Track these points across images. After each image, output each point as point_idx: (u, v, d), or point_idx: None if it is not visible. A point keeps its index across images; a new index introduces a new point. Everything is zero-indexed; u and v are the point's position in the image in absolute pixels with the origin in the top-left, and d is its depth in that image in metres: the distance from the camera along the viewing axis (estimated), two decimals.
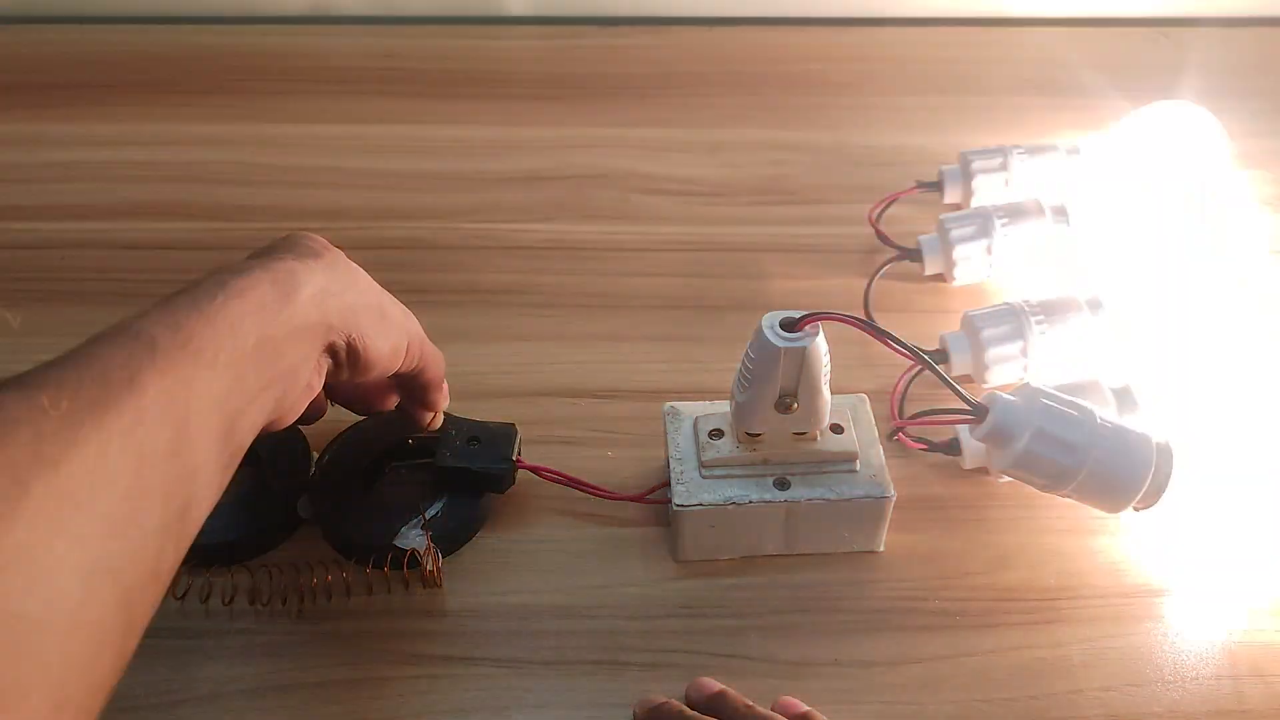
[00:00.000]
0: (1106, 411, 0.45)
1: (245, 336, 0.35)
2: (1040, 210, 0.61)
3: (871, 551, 0.50)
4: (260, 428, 0.38)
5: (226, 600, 0.46)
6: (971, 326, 0.56)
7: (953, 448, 0.52)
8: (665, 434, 0.49)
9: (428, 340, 0.46)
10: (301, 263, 0.39)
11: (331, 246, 0.43)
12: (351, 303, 0.40)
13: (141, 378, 0.31)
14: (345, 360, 0.41)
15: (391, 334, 0.43)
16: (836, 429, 0.48)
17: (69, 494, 0.28)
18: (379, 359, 0.42)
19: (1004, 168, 0.66)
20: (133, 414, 0.31)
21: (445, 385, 0.49)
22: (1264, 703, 0.44)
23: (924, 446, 0.53)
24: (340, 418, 0.50)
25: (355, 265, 0.43)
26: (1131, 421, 0.46)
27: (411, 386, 0.47)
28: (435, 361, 0.47)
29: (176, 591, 0.46)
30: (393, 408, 0.49)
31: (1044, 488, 0.45)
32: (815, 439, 0.48)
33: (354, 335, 0.40)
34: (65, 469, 0.28)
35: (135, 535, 0.30)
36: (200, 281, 0.37)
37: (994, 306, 0.56)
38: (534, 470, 0.50)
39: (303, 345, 0.38)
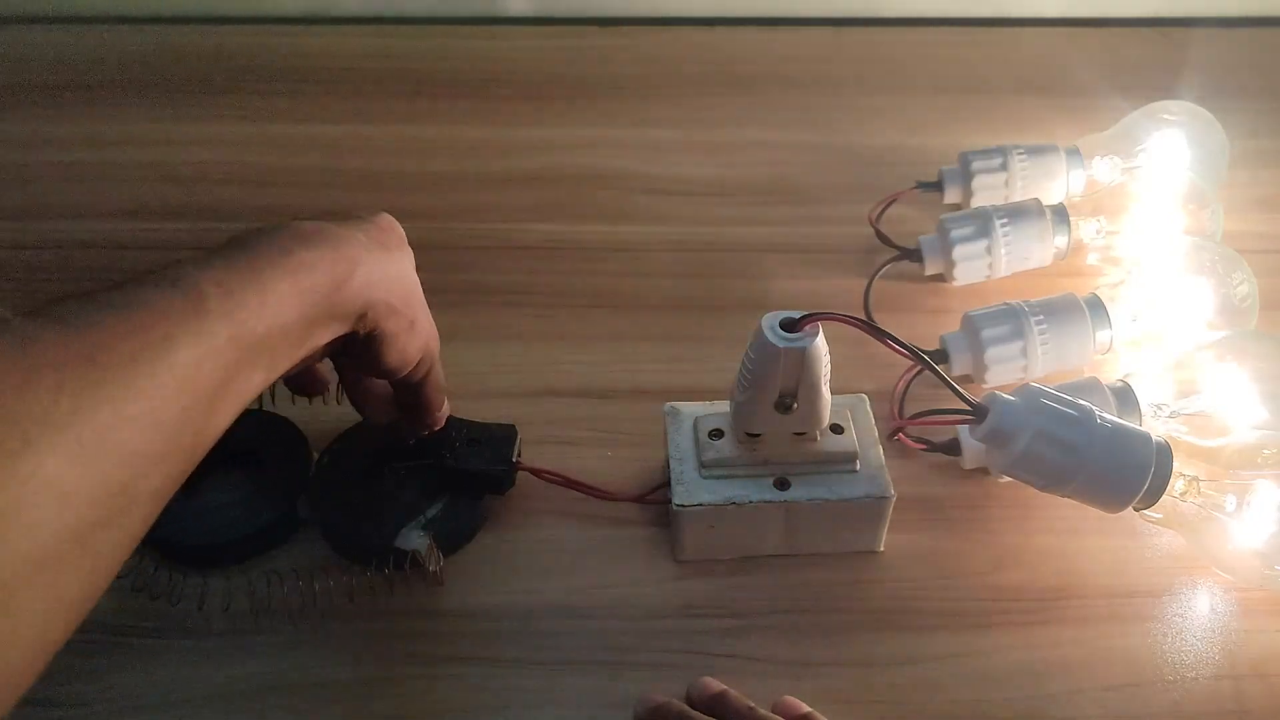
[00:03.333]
0: (1106, 411, 0.45)
1: (289, 313, 0.35)
2: (1040, 210, 0.61)
3: (871, 551, 0.50)
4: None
5: (225, 607, 0.46)
6: (971, 326, 0.56)
7: (953, 448, 0.52)
8: (665, 434, 0.49)
9: (439, 366, 0.46)
10: (367, 252, 0.39)
11: (406, 244, 0.43)
12: (390, 305, 0.41)
13: (178, 338, 0.31)
14: (356, 350, 0.41)
15: (409, 347, 0.43)
16: (836, 429, 0.48)
17: (73, 456, 0.27)
18: (386, 363, 0.42)
19: (1004, 168, 0.66)
20: (159, 378, 0.30)
21: (445, 406, 0.49)
22: (1264, 703, 0.44)
23: (924, 446, 0.53)
24: (340, 417, 0.50)
25: (412, 271, 0.43)
26: (1131, 421, 0.47)
27: (406, 401, 0.47)
28: (435, 387, 0.47)
29: (172, 599, 0.46)
30: (388, 421, 0.49)
31: (1044, 488, 0.45)
32: (815, 439, 0.48)
33: (376, 333, 0.41)
34: (75, 431, 0.27)
35: (122, 503, 0.29)
36: (264, 236, 0.36)
37: (994, 306, 0.56)
38: (534, 472, 0.50)
39: (331, 329, 0.38)
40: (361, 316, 0.39)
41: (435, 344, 0.45)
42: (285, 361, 0.36)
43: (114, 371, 0.29)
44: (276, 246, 0.36)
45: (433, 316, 0.45)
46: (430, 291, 0.64)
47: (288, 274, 0.35)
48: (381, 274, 0.40)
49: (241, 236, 0.36)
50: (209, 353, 0.32)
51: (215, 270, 0.33)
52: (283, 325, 0.35)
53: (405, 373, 0.44)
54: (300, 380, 0.46)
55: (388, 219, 0.44)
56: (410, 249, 0.44)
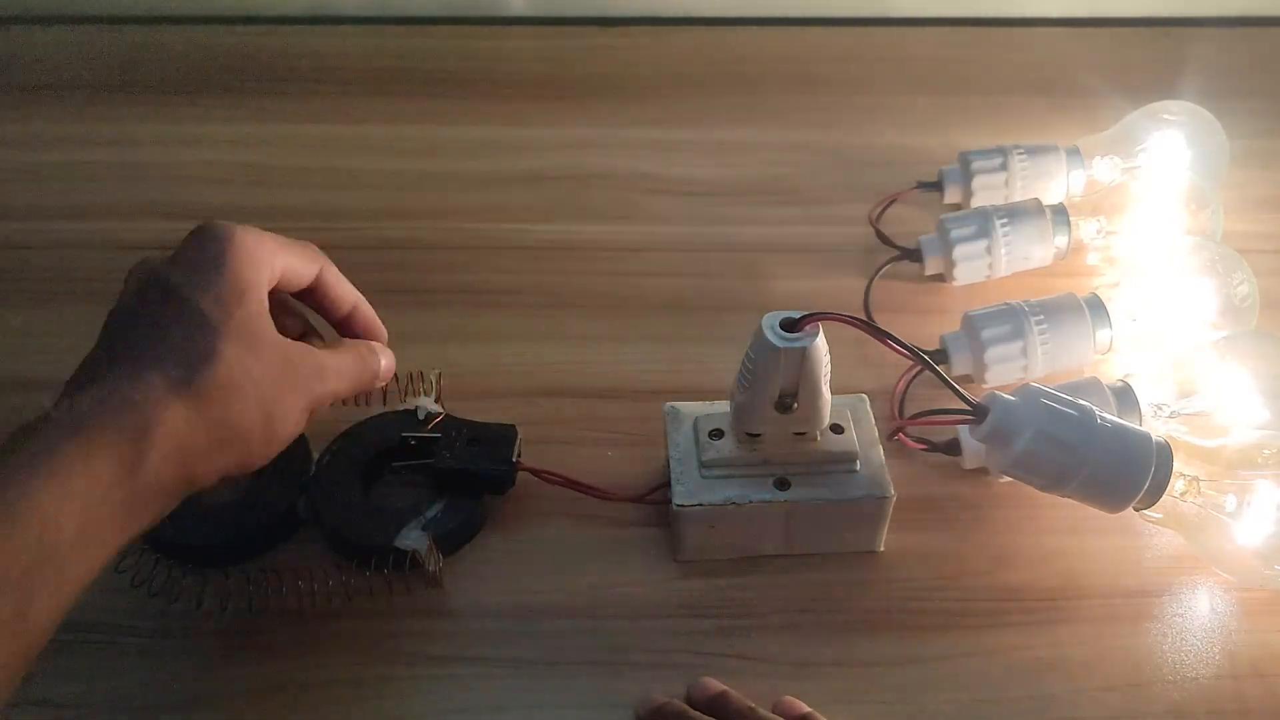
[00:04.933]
0: (1106, 411, 0.45)
1: (64, 527, 0.30)
2: (1040, 210, 0.61)
3: (871, 551, 0.50)
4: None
5: (224, 607, 0.46)
6: (971, 326, 0.56)
7: (953, 448, 0.52)
8: (665, 434, 0.49)
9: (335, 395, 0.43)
10: (165, 409, 0.33)
11: (238, 312, 0.37)
12: (224, 440, 0.35)
13: None
14: (218, 484, 0.38)
15: (284, 433, 0.39)
16: (836, 429, 0.48)
17: None
18: (261, 466, 0.40)
19: (1004, 168, 0.66)
20: None
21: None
22: (1264, 703, 0.44)
23: (924, 446, 0.53)
24: (340, 417, 0.50)
25: (257, 348, 0.37)
26: (1131, 421, 0.46)
27: None
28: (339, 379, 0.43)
29: (170, 596, 0.46)
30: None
31: (1044, 488, 0.45)
32: (815, 439, 0.48)
33: (228, 471, 0.37)
34: None
35: None
36: (27, 439, 0.31)
37: (994, 306, 0.56)
38: (534, 472, 0.50)
39: (158, 505, 0.34)
40: (191, 480, 0.35)
41: (323, 389, 0.41)
42: (81, 570, 0.31)
43: None
44: (40, 449, 0.31)
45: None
46: (430, 291, 0.64)
47: (49, 481, 0.30)
48: (194, 424, 0.34)
49: (5, 444, 0.31)
50: None
51: None
52: (64, 540, 0.30)
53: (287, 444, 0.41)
54: None
55: (229, 300, 0.37)
56: (251, 317, 0.38)
